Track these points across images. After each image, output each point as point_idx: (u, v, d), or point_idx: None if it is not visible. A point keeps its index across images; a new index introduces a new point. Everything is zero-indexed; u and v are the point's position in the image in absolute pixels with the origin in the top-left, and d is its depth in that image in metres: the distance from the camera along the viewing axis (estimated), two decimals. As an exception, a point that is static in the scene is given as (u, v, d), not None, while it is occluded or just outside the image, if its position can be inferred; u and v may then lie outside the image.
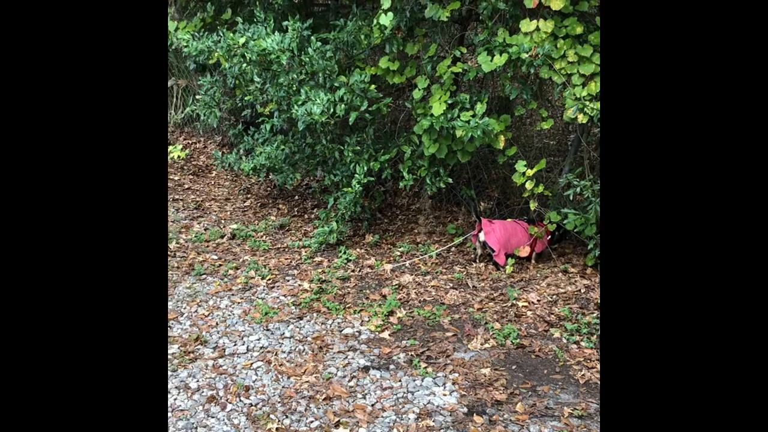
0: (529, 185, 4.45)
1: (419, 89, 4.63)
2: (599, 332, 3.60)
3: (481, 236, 4.70)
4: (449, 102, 4.51)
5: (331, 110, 4.51)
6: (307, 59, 4.61)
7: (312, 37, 4.63)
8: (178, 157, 6.93)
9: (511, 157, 4.69)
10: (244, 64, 4.86)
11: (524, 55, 4.16)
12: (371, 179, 4.91)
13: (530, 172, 4.45)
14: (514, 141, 4.88)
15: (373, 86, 4.64)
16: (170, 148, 7.02)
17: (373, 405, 3.15)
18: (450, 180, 4.82)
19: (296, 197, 6.18)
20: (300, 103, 4.58)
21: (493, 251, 4.64)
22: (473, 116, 4.35)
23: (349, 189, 4.84)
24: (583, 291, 4.33)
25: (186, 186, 6.56)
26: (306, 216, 5.76)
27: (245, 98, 5.23)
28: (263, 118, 5.32)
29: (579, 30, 4.17)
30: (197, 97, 5.80)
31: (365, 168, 4.82)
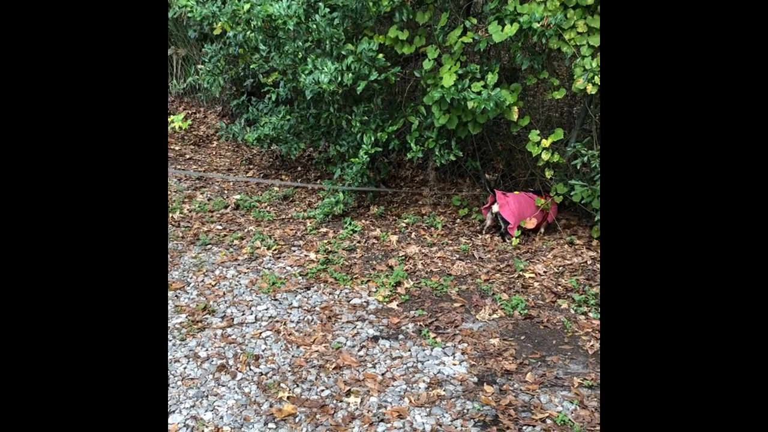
0: (545, 155, 4.43)
1: (429, 59, 4.56)
2: (599, 310, 3.59)
3: (495, 208, 4.66)
4: (459, 72, 4.46)
5: (339, 79, 4.45)
6: (314, 26, 4.54)
7: (320, 4, 4.56)
8: (180, 127, 6.87)
9: (520, 128, 4.66)
10: (249, 32, 4.79)
11: (536, 25, 4.11)
12: (378, 150, 4.86)
13: (546, 143, 4.42)
14: (524, 111, 4.84)
15: (381, 55, 4.58)
16: (172, 117, 6.95)
17: (383, 374, 3.16)
18: (460, 153, 4.77)
19: (299, 168, 6.14)
20: (307, 72, 4.52)
21: (508, 223, 4.61)
22: (484, 87, 4.30)
23: (356, 159, 4.80)
24: (589, 262, 4.33)
25: (188, 156, 6.51)
26: (309, 187, 5.72)
27: (250, 67, 5.16)
28: (268, 87, 5.25)
29: (590, 0, 4.11)
30: (199, 66, 5.72)
31: (372, 138, 4.78)
